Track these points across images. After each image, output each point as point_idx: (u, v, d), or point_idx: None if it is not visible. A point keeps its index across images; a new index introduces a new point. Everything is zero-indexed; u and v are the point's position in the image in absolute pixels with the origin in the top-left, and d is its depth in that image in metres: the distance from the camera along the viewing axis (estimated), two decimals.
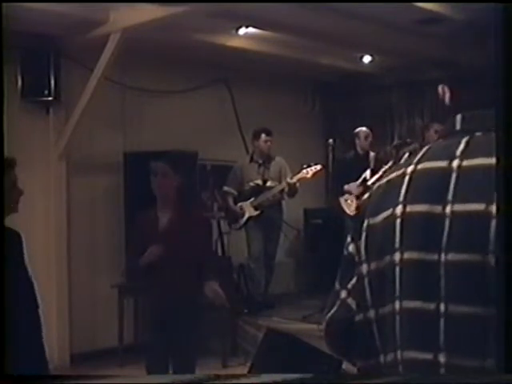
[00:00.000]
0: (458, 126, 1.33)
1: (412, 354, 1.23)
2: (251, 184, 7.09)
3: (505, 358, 1.05)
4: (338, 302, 1.40)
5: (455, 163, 1.23)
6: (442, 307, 1.19)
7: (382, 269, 1.29)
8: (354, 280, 1.37)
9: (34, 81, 6.27)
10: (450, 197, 1.21)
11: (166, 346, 4.28)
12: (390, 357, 1.28)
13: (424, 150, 1.35)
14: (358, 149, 7.42)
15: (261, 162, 7.15)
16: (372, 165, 7.19)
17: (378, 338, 1.31)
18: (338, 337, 1.43)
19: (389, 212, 1.29)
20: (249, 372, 4.41)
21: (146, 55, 6.94)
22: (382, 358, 1.31)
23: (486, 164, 1.18)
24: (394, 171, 1.37)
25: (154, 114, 7.22)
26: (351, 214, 7.04)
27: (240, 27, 6.57)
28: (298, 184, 6.89)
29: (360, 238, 1.35)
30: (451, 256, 1.19)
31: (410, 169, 1.30)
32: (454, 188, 1.21)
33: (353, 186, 7.08)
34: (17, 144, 5.76)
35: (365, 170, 7.11)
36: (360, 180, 7.03)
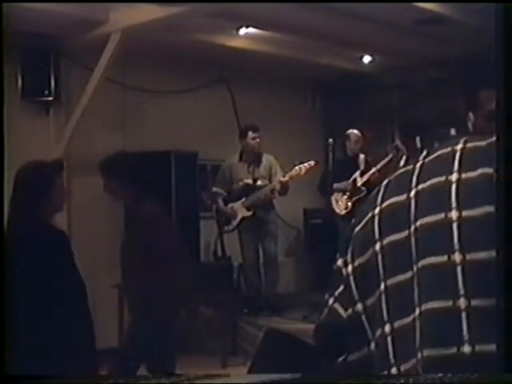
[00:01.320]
0: (418, 144, 1.51)
1: (398, 323, 1.31)
2: (241, 184, 6.93)
3: (505, 358, 1.05)
4: (326, 310, 1.48)
5: (418, 164, 1.35)
6: (416, 279, 1.28)
7: (366, 262, 1.38)
8: (340, 288, 1.45)
9: (34, 81, 6.27)
10: (413, 184, 1.33)
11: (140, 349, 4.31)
12: (378, 335, 1.35)
13: (386, 160, 1.50)
14: (348, 151, 7.38)
15: (250, 160, 6.97)
16: (362, 167, 7.18)
17: (368, 325, 1.38)
18: (327, 339, 1.50)
19: (369, 216, 1.39)
20: (249, 372, 4.42)
21: (146, 55, 6.94)
22: (373, 345, 1.37)
23: (444, 153, 1.31)
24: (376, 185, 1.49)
25: (153, 114, 7.22)
26: (341, 213, 7.05)
27: (240, 27, 6.57)
28: (289, 182, 6.76)
29: (347, 251, 1.44)
30: (419, 222, 1.29)
31: (384, 183, 1.41)
32: (418, 178, 1.33)
33: (342, 185, 7.08)
34: (17, 144, 5.78)
35: (354, 172, 7.11)
36: (350, 180, 7.04)
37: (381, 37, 6.82)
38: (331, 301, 1.47)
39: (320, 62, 7.81)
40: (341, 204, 7.08)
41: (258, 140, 6.91)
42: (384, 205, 1.37)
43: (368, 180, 6.94)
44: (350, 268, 1.42)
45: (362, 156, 7.27)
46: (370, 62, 7.98)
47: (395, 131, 8.41)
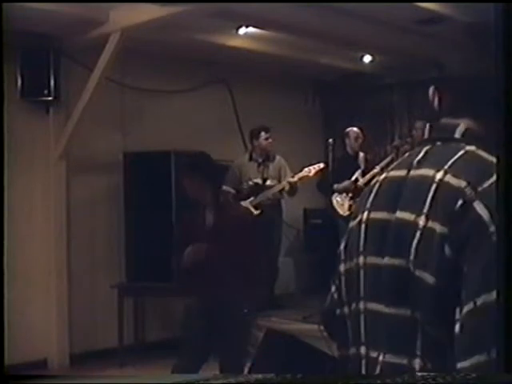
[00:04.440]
0: (426, 135, 1.40)
1: (372, 354, 1.32)
2: (250, 183, 7.00)
3: (505, 358, 1.05)
4: (329, 296, 1.52)
5: (411, 172, 1.29)
6: (380, 308, 1.29)
7: (352, 269, 1.39)
8: (337, 277, 1.48)
9: (33, 80, 6.27)
10: (398, 205, 1.28)
11: (209, 345, 4.25)
12: (352, 351, 1.39)
13: (396, 161, 1.43)
14: (348, 149, 7.38)
15: (260, 160, 7.07)
16: (362, 165, 7.17)
17: (350, 332, 1.41)
18: (329, 325, 1.56)
19: (360, 217, 1.37)
20: (249, 372, 4.41)
21: (146, 55, 6.94)
22: (350, 351, 1.40)
23: (426, 175, 1.24)
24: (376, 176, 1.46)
25: (153, 114, 7.21)
26: (344, 214, 7.05)
27: (240, 27, 6.57)
28: (298, 183, 6.83)
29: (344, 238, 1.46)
30: (386, 260, 1.28)
31: (381, 177, 1.37)
32: (402, 197, 1.28)
33: (344, 186, 7.08)
34: (17, 144, 5.78)
35: (355, 171, 7.10)
36: (351, 180, 7.03)
37: (381, 36, 6.82)
38: (333, 288, 1.50)
39: (320, 62, 7.81)
40: (344, 205, 7.07)
41: (270, 140, 7.02)
42: (372, 215, 1.35)
43: (370, 180, 6.93)
44: (342, 267, 1.43)
45: (361, 154, 7.27)
46: (371, 61, 7.97)
47: (395, 131, 8.43)
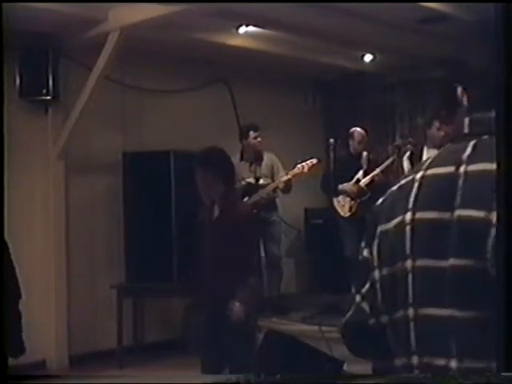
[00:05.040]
0: (466, 130, 1.34)
1: (426, 360, 1.26)
2: (243, 183, 6.89)
3: (505, 358, 1.04)
4: (353, 307, 1.43)
5: (462, 168, 1.24)
6: (450, 313, 1.22)
7: (394, 275, 1.31)
8: (367, 285, 1.40)
9: (32, 80, 6.25)
10: (456, 203, 1.22)
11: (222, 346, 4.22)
12: (403, 361, 1.31)
13: (434, 155, 1.36)
14: (351, 149, 7.35)
15: (252, 159, 6.97)
16: (365, 165, 7.14)
17: (393, 341, 1.34)
18: (355, 339, 1.47)
19: (399, 219, 1.31)
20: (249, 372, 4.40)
21: (146, 54, 6.92)
22: (396, 361, 1.33)
23: (488, 169, 1.19)
24: (405, 177, 1.38)
25: (153, 114, 7.20)
26: (345, 215, 7.02)
27: (240, 26, 6.55)
28: (292, 180, 6.76)
29: (373, 244, 1.38)
30: (453, 261, 1.21)
31: (419, 175, 1.32)
32: (460, 194, 1.23)
33: (347, 187, 7.05)
34: (15, 143, 5.76)
35: (357, 171, 7.07)
36: (353, 181, 7.01)
37: (382, 36, 6.81)
38: (358, 298, 1.42)
39: (321, 61, 7.80)
40: (345, 206, 7.05)
41: (259, 139, 6.93)
42: (419, 215, 1.28)
43: (372, 181, 6.92)
44: (376, 273, 1.36)
45: (365, 154, 7.23)
46: (371, 60, 7.96)
47: (396, 130, 8.41)
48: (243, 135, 6.99)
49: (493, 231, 1.15)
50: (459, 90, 1.39)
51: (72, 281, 6.58)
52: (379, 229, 1.36)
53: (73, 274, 6.59)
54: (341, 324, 1.48)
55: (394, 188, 1.39)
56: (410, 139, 7.27)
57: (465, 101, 1.38)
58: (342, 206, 7.08)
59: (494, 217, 1.15)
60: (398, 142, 7.54)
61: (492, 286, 1.12)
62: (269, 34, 6.84)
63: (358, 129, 7.30)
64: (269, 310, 6.95)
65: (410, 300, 1.27)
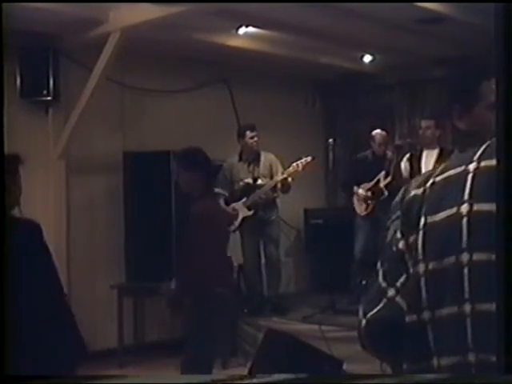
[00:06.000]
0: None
1: (481, 357, 1.20)
2: (241, 183, 6.90)
3: (505, 358, 1.04)
4: (385, 300, 1.34)
5: (472, 166, 1.23)
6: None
7: (445, 269, 1.25)
8: (403, 278, 1.32)
9: (32, 81, 6.26)
10: (465, 197, 1.20)
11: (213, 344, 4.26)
12: (448, 360, 1.25)
13: (484, 146, 1.30)
14: (374, 151, 7.31)
15: (250, 159, 6.96)
16: (388, 166, 7.06)
17: (434, 340, 1.27)
18: (382, 337, 1.38)
19: (453, 210, 1.25)
20: (249, 373, 4.40)
21: (146, 55, 6.93)
22: (435, 361, 1.26)
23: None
24: (451, 168, 1.32)
25: (153, 114, 7.21)
26: (361, 214, 7.04)
27: (240, 27, 6.55)
28: (290, 179, 6.74)
29: (415, 233, 1.30)
30: (475, 257, 1.18)
31: (471, 166, 1.27)
32: (472, 190, 1.21)
33: (364, 188, 7.05)
34: (16, 144, 5.77)
35: (380, 171, 7.04)
36: (373, 182, 7.00)
37: (381, 36, 6.81)
38: (391, 292, 1.33)
39: (320, 62, 7.80)
40: (362, 205, 7.07)
41: (256, 139, 6.92)
42: (477, 207, 1.22)
43: (391, 181, 6.87)
44: (422, 267, 1.28)
45: (389, 154, 7.17)
46: (371, 61, 7.96)
47: (396, 131, 8.41)
48: (240, 135, 6.98)
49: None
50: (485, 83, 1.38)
51: (72, 280, 6.58)
52: (424, 220, 1.29)
53: (73, 274, 6.60)
54: (361, 319, 1.38)
55: (438, 178, 1.33)
56: (409, 140, 7.28)
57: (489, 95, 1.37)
58: (360, 204, 7.10)
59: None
60: (398, 142, 7.54)
61: None
62: (268, 35, 6.85)
63: (379, 130, 7.25)
64: (268, 309, 6.97)
65: (467, 295, 1.21)
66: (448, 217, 1.25)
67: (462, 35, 6.43)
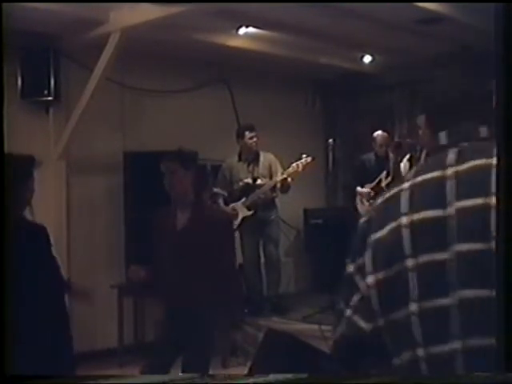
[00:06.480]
0: (444, 141, 1.45)
1: (436, 349, 1.28)
2: (241, 183, 6.93)
3: (505, 358, 1.04)
4: (345, 321, 1.44)
5: (450, 170, 1.32)
6: (456, 298, 1.25)
7: (392, 276, 1.34)
8: (357, 297, 1.41)
9: (33, 81, 6.27)
10: (449, 198, 1.29)
11: (175, 345, 4.23)
12: (407, 356, 1.32)
13: (416, 167, 1.45)
14: (377, 152, 7.34)
15: (249, 160, 6.99)
16: (389, 166, 7.09)
17: (391, 342, 1.36)
18: (348, 353, 1.47)
19: (393, 224, 1.35)
20: (249, 372, 4.40)
21: (146, 55, 6.93)
22: (396, 360, 1.35)
23: (479, 165, 1.29)
24: (388, 192, 1.44)
25: (153, 114, 7.21)
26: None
27: (240, 27, 6.56)
28: (289, 179, 6.76)
29: (362, 255, 1.40)
30: (459, 247, 1.26)
31: (406, 184, 1.38)
32: (455, 191, 1.29)
33: (366, 189, 7.07)
34: (16, 144, 5.77)
35: (382, 172, 7.06)
36: (375, 182, 7.02)
37: (381, 36, 6.82)
38: (349, 312, 1.42)
39: (320, 62, 7.80)
40: (364, 206, 7.08)
41: (255, 139, 6.93)
42: (416, 216, 1.32)
43: (392, 181, 6.89)
44: (371, 279, 1.37)
45: (391, 155, 7.20)
46: (371, 61, 7.97)
47: (395, 131, 8.42)
48: (240, 135, 7.00)
49: (492, 214, 1.21)
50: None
51: (73, 280, 6.57)
52: (371, 238, 1.39)
53: (73, 274, 6.59)
54: (332, 339, 1.50)
55: (379, 202, 1.45)
56: (409, 140, 7.28)
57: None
58: (363, 204, 7.12)
59: (492, 200, 1.21)
60: (397, 141, 7.55)
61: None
62: (268, 35, 6.85)
63: (380, 132, 7.31)
64: (268, 309, 6.97)
65: (415, 297, 1.30)
66: (391, 230, 1.35)
67: (462, 35, 6.43)
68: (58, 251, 6.58)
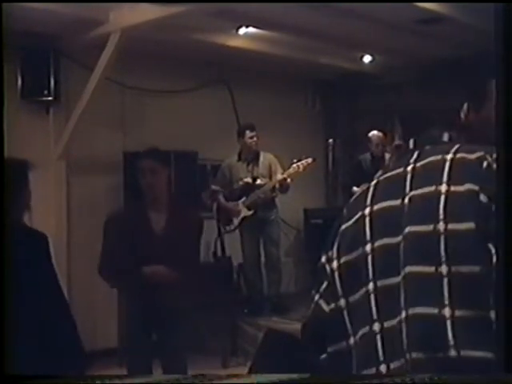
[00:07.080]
0: (411, 146, 1.61)
1: (389, 323, 1.39)
2: (241, 183, 6.93)
3: (505, 358, 1.05)
4: (312, 306, 1.59)
5: (409, 167, 1.48)
6: (403, 284, 1.37)
7: (354, 260, 1.48)
8: (324, 284, 1.56)
9: (33, 81, 6.27)
10: (407, 190, 1.43)
11: (152, 347, 4.25)
12: (364, 331, 1.44)
13: (384, 168, 1.66)
14: (373, 152, 7.34)
15: (249, 159, 6.99)
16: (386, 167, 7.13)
17: (349, 321, 1.48)
18: (311, 334, 1.62)
19: (359, 215, 1.51)
20: (249, 372, 4.41)
21: (146, 55, 6.94)
22: (352, 340, 1.48)
23: (434, 160, 1.43)
24: (358, 191, 1.64)
25: (153, 114, 7.21)
26: None
27: (240, 27, 6.57)
28: (289, 180, 6.76)
29: (332, 246, 1.58)
30: (408, 229, 1.39)
31: (372, 183, 1.56)
32: (411, 183, 1.44)
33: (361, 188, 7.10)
34: (17, 144, 5.77)
35: (378, 172, 7.09)
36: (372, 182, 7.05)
37: (381, 36, 6.82)
38: (316, 297, 1.58)
39: (320, 62, 7.81)
40: None
41: (255, 139, 6.93)
42: (376, 207, 1.48)
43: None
44: (334, 264, 1.54)
45: (387, 156, 7.21)
46: (371, 61, 7.97)
47: (395, 130, 8.43)
48: (240, 135, 7.00)
49: (442, 198, 1.34)
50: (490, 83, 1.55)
51: (73, 280, 6.59)
52: (341, 229, 1.57)
53: (74, 274, 6.60)
54: (302, 324, 1.64)
55: (352, 199, 1.62)
56: (411, 141, 7.28)
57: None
58: None
59: (443, 188, 1.35)
60: (397, 142, 7.55)
61: (447, 241, 1.30)
62: (268, 35, 6.85)
63: (375, 132, 7.31)
64: (268, 309, 6.98)
65: (370, 277, 1.43)
66: (356, 220, 1.52)
67: (462, 35, 6.44)
68: (58, 251, 6.60)
